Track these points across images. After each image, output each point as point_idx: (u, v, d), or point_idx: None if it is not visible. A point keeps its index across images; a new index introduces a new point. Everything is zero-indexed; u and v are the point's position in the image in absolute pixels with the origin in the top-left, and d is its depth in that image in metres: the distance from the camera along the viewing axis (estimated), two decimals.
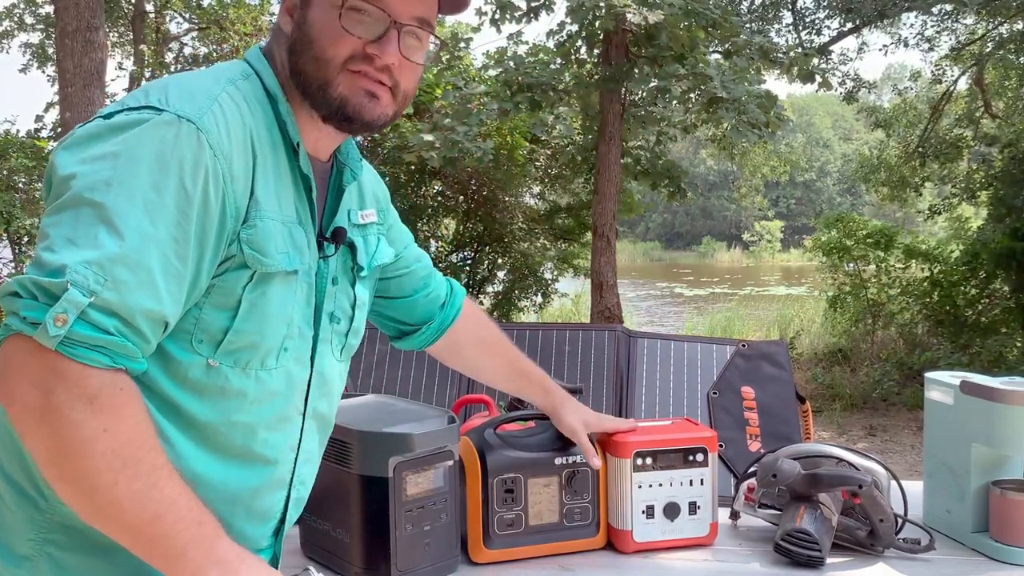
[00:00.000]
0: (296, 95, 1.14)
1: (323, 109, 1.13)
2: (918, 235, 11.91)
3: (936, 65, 13.64)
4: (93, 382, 0.91)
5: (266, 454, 1.14)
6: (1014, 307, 9.38)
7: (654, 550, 1.57)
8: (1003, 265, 9.25)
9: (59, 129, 9.69)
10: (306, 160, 1.13)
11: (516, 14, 7.93)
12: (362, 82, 1.12)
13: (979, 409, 1.56)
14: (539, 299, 11.24)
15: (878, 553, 1.55)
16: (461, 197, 10.57)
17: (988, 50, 11.76)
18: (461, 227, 10.92)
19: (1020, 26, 11.26)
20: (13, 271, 7.82)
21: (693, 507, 1.58)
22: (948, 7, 11.57)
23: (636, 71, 7.65)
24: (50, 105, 12.60)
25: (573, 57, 8.45)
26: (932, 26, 12.88)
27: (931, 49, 13.40)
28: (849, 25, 11.79)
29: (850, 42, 32.65)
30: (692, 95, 7.96)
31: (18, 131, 10.69)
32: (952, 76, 13.53)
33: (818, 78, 7.62)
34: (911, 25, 18.07)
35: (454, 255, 10.89)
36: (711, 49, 8.39)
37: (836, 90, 12.21)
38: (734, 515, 1.68)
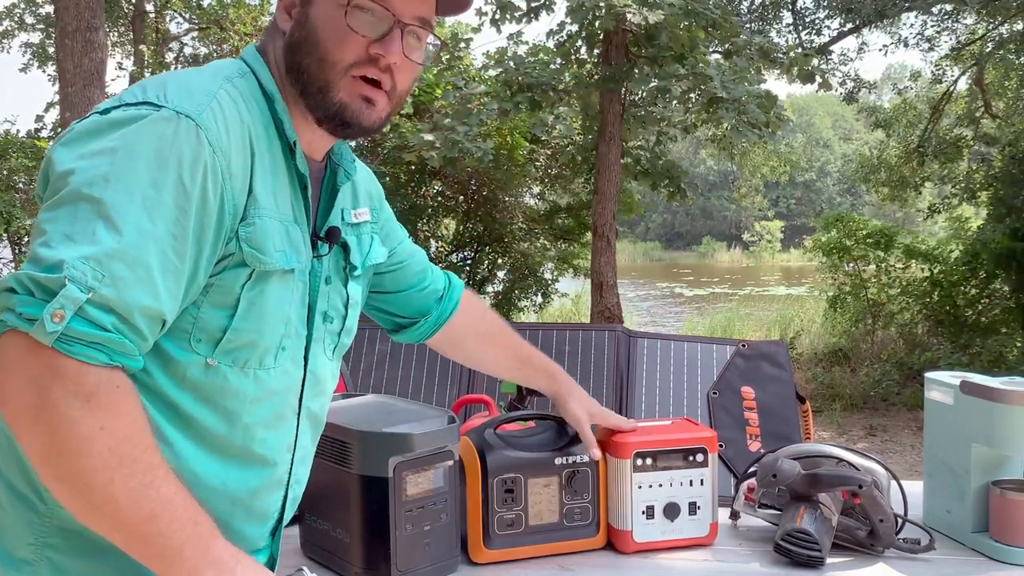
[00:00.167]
0: (292, 95, 1.13)
1: (319, 112, 1.13)
2: (918, 235, 11.90)
3: (936, 65, 13.64)
4: (90, 379, 0.91)
5: (265, 454, 1.14)
6: (1014, 307, 9.38)
7: (654, 550, 1.57)
8: (1003, 265, 9.25)
9: (59, 129, 9.70)
10: (302, 159, 1.13)
11: (516, 14, 7.93)
12: (362, 88, 1.12)
13: (979, 409, 1.56)
14: (539, 299, 11.24)
15: (878, 553, 1.55)
16: (461, 197, 10.57)
17: (988, 50, 11.76)
18: (461, 227, 10.92)
19: (1020, 26, 11.26)
20: (13, 271, 7.82)
21: (693, 507, 1.58)
22: (948, 7, 11.58)
23: (636, 71, 7.65)
24: (50, 105, 12.60)
25: (573, 57, 8.45)
26: (932, 26, 12.88)
27: (931, 49, 13.40)
28: (849, 25, 11.78)
29: (850, 42, 32.65)
30: (692, 95, 7.96)
31: (18, 131, 10.70)
32: (952, 76, 13.54)
33: (818, 78, 7.62)
34: (911, 25, 18.06)
35: (454, 255, 10.89)
36: (711, 49, 8.40)
37: (836, 90, 12.23)
38: (734, 515, 1.68)
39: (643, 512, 1.56)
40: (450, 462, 1.44)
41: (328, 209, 1.21)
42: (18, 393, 0.89)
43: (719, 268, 32.99)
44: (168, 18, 13.87)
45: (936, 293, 9.77)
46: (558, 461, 1.55)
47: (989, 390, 1.54)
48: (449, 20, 10.78)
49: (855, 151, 28.54)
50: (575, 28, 8.01)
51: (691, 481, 1.58)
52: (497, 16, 7.92)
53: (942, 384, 1.66)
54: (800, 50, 9.31)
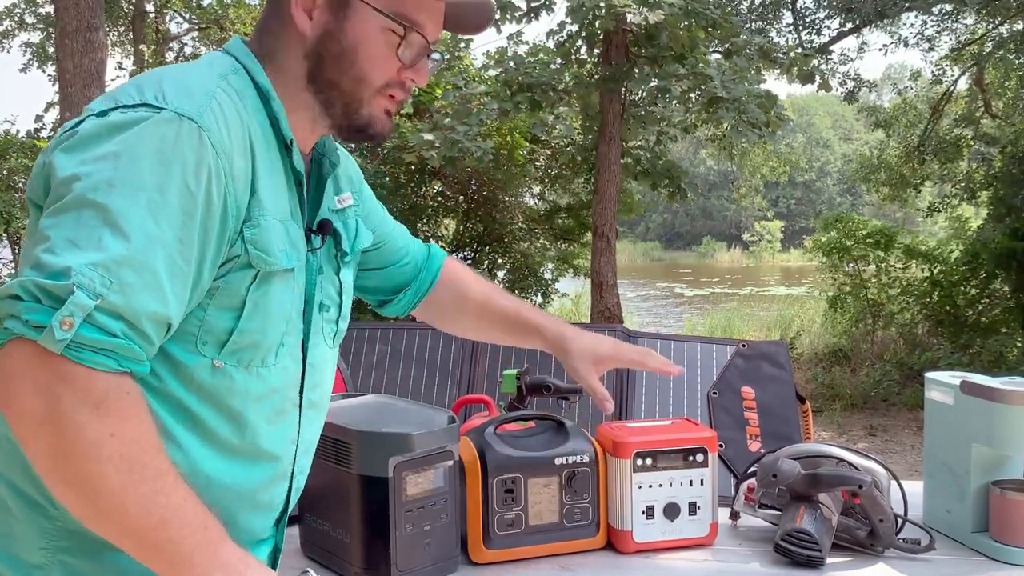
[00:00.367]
0: (297, 96, 1.13)
1: (343, 121, 1.15)
2: (918, 235, 11.92)
3: (936, 65, 13.65)
4: (100, 386, 0.90)
5: (270, 449, 1.14)
6: (1014, 307, 9.38)
7: (654, 550, 1.57)
8: (1003, 265, 9.26)
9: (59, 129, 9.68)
10: (299, 157, 1.13)
11: (516, 14, 7.93)
12: (388, 104, 1.16)
13: (979, 409, 1.56)
14: (539, 299, 11.23)
15: (878, 553, 1.55)
16: (461, 197, 10.57)
17: (988, 50, 11.76)
18: (461, 227, 10.92)
19: (1020, 26, 11.26)
20: (13, 271, 7.83)
21: (693, 507, 1.58)
22: (948, 7, 11.58)
23: (636, 71, 7.65)
24: (50, 105, 12.62)
25: (573, 57, 8.46)
26: (932, 26, 12.89)
27: (931, 49, 13.41)
28: (849, 25, 11.79)
29: (850, 42, 32.66)
30: (692, 95, 7.97)
31: (18, 131, 10.70)
32: (952, 76, 13.54)
33: (818, 78, 7.63)
34: (911, 25, 18.08)
35: (454, 255, 10.87)
36: (711, 49, 8.40)
37: (836, 90, 12.24)
38: (734, 515, 1.68)
39: (643, 512, 1.56)
40: (450, 462, 1.44)
41: (318, 201, 1.21)
42: (26, 400, 0.89)
43: (719, 268, 32.99)
44: (168, 18, 13.88)
45: (936, 293, 9.77)
46: (558, 461, 1.55)
47: (989, 390, 1.54)
48: None
49: (855, 151, 28.54)
50: (575, 28, 8.02)
51: (691, 481, 1.58)
52: (497, 16, 7.91)
53: (942, 384, 1.66)
54: (800, 50, 9.32)
